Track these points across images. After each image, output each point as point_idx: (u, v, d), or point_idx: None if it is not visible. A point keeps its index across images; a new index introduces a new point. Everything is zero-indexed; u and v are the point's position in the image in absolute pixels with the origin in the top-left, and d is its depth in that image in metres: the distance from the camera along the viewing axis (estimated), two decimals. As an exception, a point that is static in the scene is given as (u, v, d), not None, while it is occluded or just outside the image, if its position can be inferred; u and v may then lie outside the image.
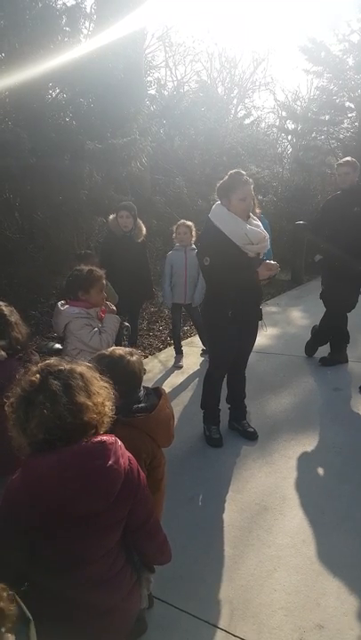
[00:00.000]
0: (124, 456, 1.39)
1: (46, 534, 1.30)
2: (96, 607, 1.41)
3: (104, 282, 2.94)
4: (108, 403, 1.38)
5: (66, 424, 1.26)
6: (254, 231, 2.97)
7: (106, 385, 1.41)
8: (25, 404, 1.28)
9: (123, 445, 1.40)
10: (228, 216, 2.99)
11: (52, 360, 1.37)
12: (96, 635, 1.43)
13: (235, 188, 2.96)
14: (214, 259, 3.01)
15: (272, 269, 2.96)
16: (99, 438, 1.32)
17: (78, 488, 1.26)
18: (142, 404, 1.78)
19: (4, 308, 2.37)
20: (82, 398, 1.30)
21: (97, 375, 1.41)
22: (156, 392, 1.88)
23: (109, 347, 2.77)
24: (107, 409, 1.37)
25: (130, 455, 1.43)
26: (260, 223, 3.10)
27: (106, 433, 1.37)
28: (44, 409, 1.25)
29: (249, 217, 3.04)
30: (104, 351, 1.89)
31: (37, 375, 1.30)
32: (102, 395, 1.37)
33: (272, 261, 2.98)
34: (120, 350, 1.85)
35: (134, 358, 1.83)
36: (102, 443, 1.32)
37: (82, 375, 1.34)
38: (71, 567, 1.36)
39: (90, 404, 1.31)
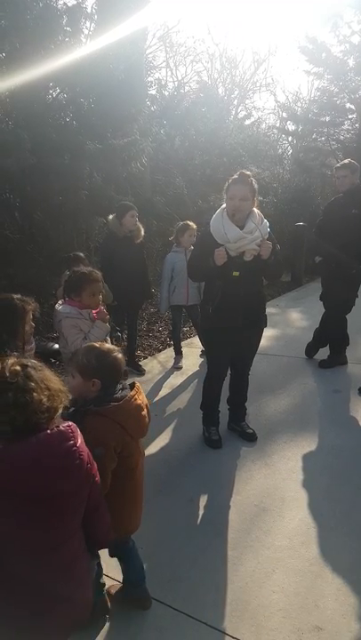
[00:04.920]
0: (82, 439, 1.47)
1: (19, 519, 1.34)
2: (58, 593, 1.46)
3: (99, 285, 2.96)
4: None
5: (43, 410, 1.35)
6: (232, 230, 2.98)
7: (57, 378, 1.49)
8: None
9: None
10: (218, 213, 3.08)
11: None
12: (55, 622, 1.49)
13: (227, 187, 3.03)
14: (194, 250, 3.41)
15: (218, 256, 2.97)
16: (66, 424, 1.41)
17: (56, 469, 1.34)
18: (115, 396, 1.88)
19: (17, 302, 2.37)
20: (53, 384, 1.41)
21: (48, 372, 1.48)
22: (131, 385, 2.00)
23: None
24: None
25: None
26: (262, 223, 3.09)
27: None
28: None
29: (245, 217, 3.02)
30: (94, 343, 1.99)
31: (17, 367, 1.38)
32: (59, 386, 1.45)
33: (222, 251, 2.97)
34: (109, 345, 2.01)
35: (120, 355, 1.95)
36: (69, 426, 1.41)
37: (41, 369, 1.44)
38: (43, 551, 1.41)
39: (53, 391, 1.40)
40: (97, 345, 1.96)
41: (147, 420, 1.98)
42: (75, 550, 1.49)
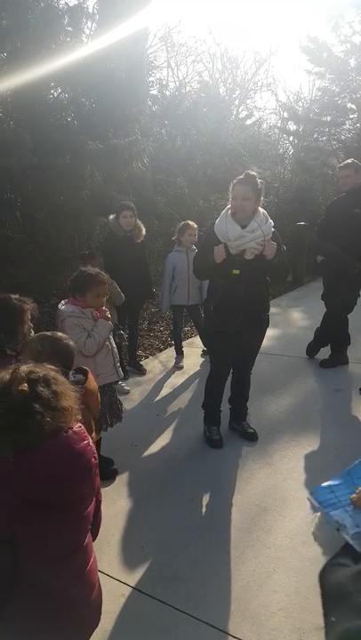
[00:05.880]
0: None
1: (42, 526, 1.31)
2: (75, 600, 1.44)
3: (105, 287, 2.96)
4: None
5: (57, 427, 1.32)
6: (233, 228, 3.00)
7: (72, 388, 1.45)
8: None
9: None
10: (223, 213, 3.11)
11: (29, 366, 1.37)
12: (74, 628, 1.47)
13: (232, 187, 3.06)
14: (199, 248, 3.46)
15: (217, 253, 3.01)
16: (77, 424, 1.39)
17: (74, 470, 1.33)
18: (75, 379, 1.99)
19: (14, 302, 2.37)
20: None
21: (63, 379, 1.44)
22: (81, 369, 2.09)
23: (91, 353, 2.85)
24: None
25: None
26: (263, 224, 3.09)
27: None
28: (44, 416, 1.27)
29: (249, 216, 3.02)
30: (45, 332, 2.04)
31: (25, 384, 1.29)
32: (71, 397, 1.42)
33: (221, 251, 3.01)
34: (60, 333, 2.08)
35: (71, 343, 2.02)
36: (80, 427, 1.40)
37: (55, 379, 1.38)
38: (63, 556, 1.38)
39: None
40: (49, 333, 2.01)
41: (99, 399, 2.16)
42: (89, 552, 1.47)
